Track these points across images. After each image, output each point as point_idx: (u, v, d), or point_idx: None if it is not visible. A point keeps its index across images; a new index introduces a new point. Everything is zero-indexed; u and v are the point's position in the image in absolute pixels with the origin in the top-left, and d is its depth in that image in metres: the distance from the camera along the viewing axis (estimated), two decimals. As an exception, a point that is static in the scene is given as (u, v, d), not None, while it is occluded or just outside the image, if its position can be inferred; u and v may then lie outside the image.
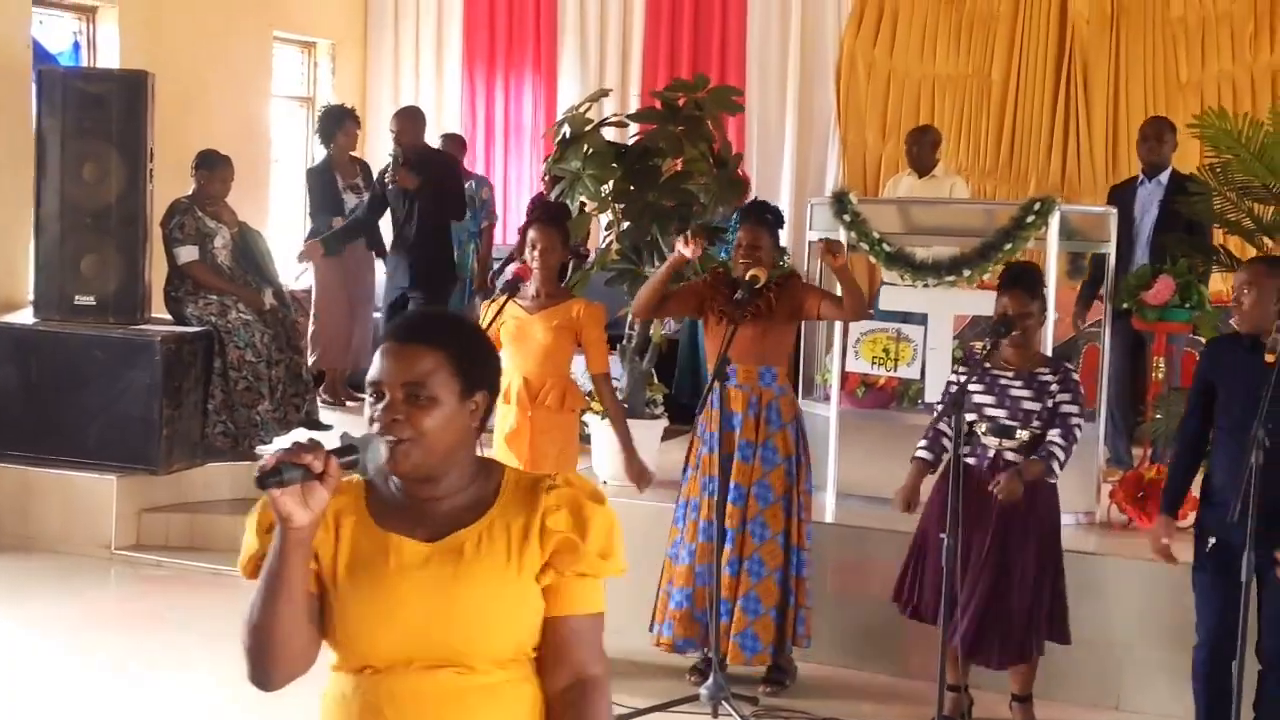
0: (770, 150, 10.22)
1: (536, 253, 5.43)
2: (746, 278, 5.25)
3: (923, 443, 5.11)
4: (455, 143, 9.59)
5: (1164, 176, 7.09)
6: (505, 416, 5.51)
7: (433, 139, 9.90)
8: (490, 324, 5.47)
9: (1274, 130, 5.79)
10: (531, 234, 5.48)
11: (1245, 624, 4.26)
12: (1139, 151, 7.36)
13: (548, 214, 5.63)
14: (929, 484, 5.16)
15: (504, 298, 5.50)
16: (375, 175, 8.73)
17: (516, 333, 5.48)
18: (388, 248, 8.69)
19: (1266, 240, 6.02)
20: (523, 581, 2.19)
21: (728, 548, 5.32)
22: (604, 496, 2.26)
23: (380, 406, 2.17)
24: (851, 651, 5.87)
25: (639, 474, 5.53)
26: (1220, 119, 5.94)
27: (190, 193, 7.73)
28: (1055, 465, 4.92)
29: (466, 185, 9.27)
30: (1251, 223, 6.05)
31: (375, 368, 2.20)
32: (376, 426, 2.15)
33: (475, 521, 2.21)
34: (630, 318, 6.73)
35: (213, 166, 7.71)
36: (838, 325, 6.37)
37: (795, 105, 10.16)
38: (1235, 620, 4.25)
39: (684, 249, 5.31)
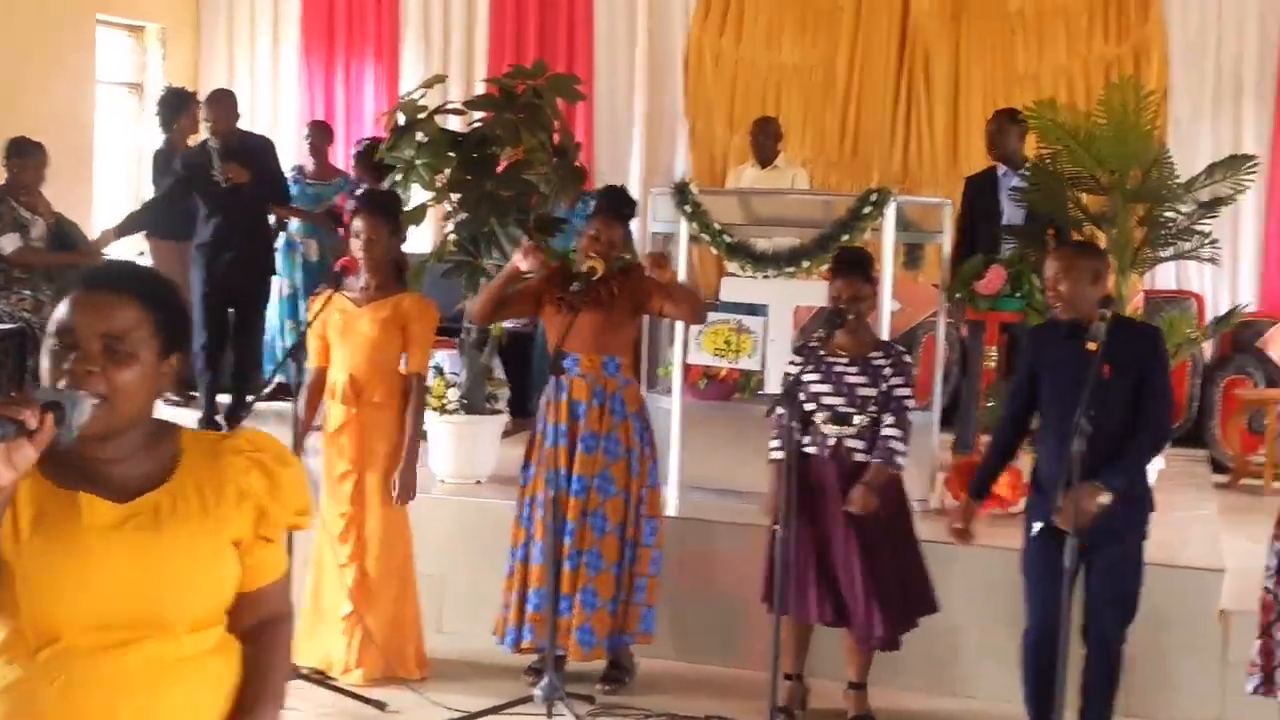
0: (619, 141, 10.13)
1: (361, 243, 5.28)
2: (584, 269, 5.20)
3: (774, 443, 5.09)
4: (323, 131, 9.33)
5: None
6: (332, 413, 5.38)
7: (293, 127, 9.66)
8: (314, 318, 5.32)
9: (1103, 121, 5.86)
10: (356, 224, 5.32)
11: (1069, 608, 4.33)
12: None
13: (373, 203, 5.46)
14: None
15: (329, 291, 5.34)
16: (182, 161, 8.30)
17: (343, 327, 5.33)
18: (195, 241, 8.19)
19: (1096, 231, 6.11)
20: (219, 542, 2.12)
21: (567, 541, 5.23)
22: (291, 458, 2.22)
23: (72, 357, 2.02)
24: (693, 646, 5.85)
25: (406, 487, 5.33)
26: (1050, 110, 6.00)
27: (3, 182, 7.42)
28: (899, 460, 5.02)
29: (333, 182, 9.00)
30: (1080, 213, 6.14)
31: (67, 314, 2.05)
32: (65, 380, 2.01)
33: (165, 482, 2.11)
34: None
35: (26, 155, 7.40)
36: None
37: (643, 95, 10.06)
38: (1061, 605, 4.31)
39: (521, 263, 5.23)
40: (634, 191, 9.39)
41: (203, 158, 7.94)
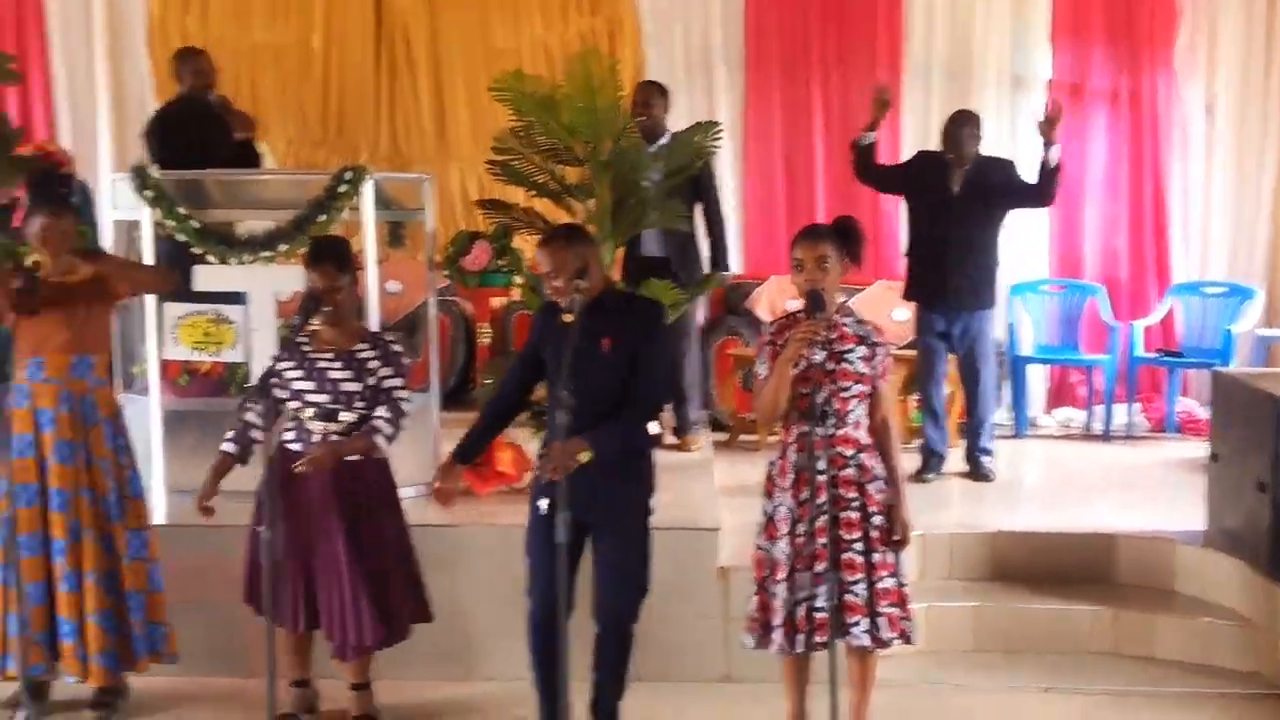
0: (83, 124, 9.49)
1: None
2: (28, 264, 4.88)
3: (229, 434, 4.84)
4: None
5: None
6: None
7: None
8: None
9: (570, 93, 5.86)
10: None
11: (567, 584, 4.22)
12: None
13: None
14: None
15: None
16: None
17: None
18: None
19: (573, 202, 6.12)
20: None
21: (59, 561, 4.86)
22: None
23: None
24: (194, 658, 5.45)
25: None
26: (518, 82, 5.95)
27: None
28: (380, 439, 4.79)
29: None
30: (557, 185, 6.13)
31: None
32: None
33: None
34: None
35: None
36: (150, 312, 5.95)
37: (106, 78, 9.49)
38: (565, 580, 4.23)
39: None
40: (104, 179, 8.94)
41: None
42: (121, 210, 6.20)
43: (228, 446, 4.83)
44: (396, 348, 4.92)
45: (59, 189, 5.10)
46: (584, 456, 4.38)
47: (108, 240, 6.47)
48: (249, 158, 7.43)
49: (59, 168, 7.61)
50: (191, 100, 7.42)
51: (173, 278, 5.39)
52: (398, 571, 4.90)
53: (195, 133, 7.15)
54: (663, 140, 6.98)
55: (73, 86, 9.51)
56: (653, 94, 7.30)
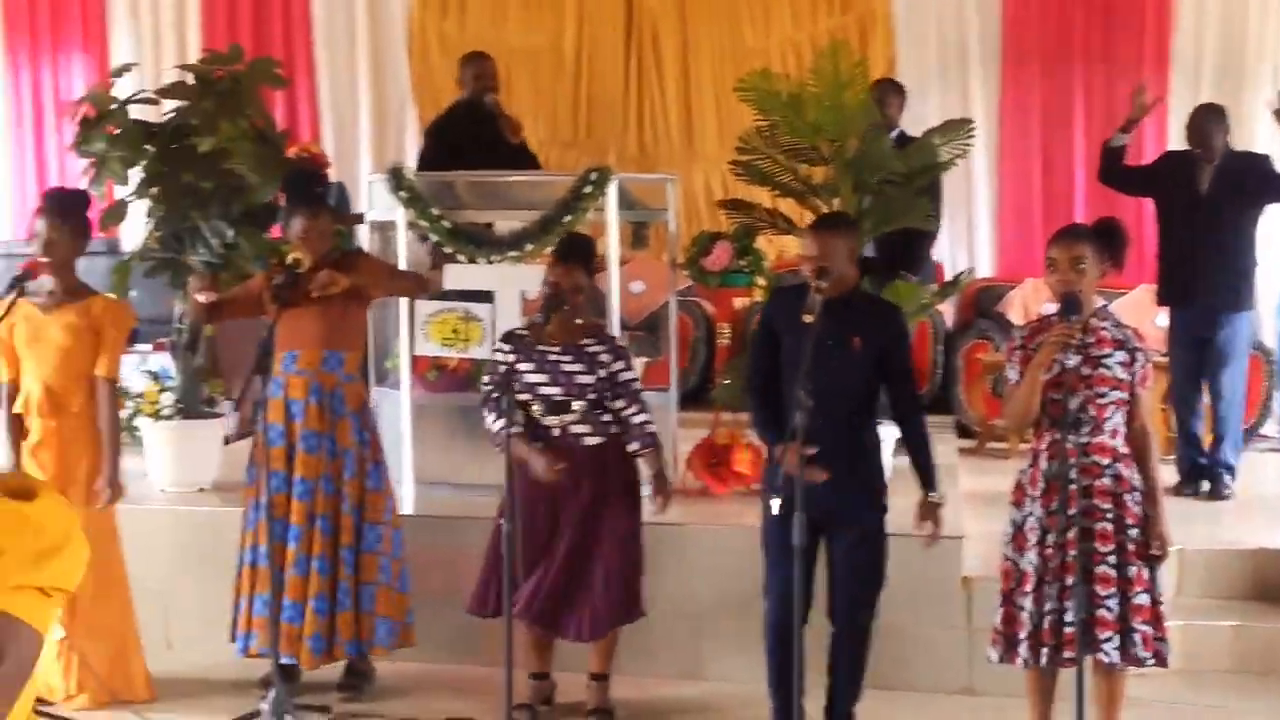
0: (345, 127, 9.86)
1: (41, 245, 4.97)
2: (289, 261, 5.06)
3: (498, 420, 4.79)
4: None
5: None
6: (32, 427, 5.06)
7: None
8: (-2, 325, 4.97)
9: (817, 91, 5.77)
10: (37, 225, 5.00)
11: (804, 586, 4.22)
12: None
13: (54, 204, 5.11)
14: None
15: (12, 296, 4.96)
16: None
17: (31, 335, 5.03)
18: None
19: (818, 202, 6.03)
20: None
21: (293, 546, 5.03)
22: (33, 491, 1.88)
23: None
24: (439, 645, 5.57)
25: (114, 486, 5.02)
26: (765, 81, 5.90)
27: None
28: (658, 441, 4.97)
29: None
30: (801, 184, 6.05)
31: None
32: None
33: None
34: (182, 315, 6.28)
35: None
36: (403, 308, 6.11)
37: (368, 80, 9.83)
38: (801, 581, 4.20)
39: (200, 297, 5.14)
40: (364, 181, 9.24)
41: None
42: (378, 210, 6.39)
43: (510, 430, 4.75)
44: (620, 342, 5.02)
45: (314, 189, 5.27)
46: (938, 501, 4.56)
47: (364, 240, 6.68)
48: (525, 161, 7.55)
49: (321, 169, 7.95)
50: (471, 104, 7.63)
51: (428, 284, 5.54)
52: (620, 568, 4.90)
53: (472, 136, 7.36)
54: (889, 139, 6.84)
55: (335, 89, 9.86)
56: (888, 92, 7.22)
